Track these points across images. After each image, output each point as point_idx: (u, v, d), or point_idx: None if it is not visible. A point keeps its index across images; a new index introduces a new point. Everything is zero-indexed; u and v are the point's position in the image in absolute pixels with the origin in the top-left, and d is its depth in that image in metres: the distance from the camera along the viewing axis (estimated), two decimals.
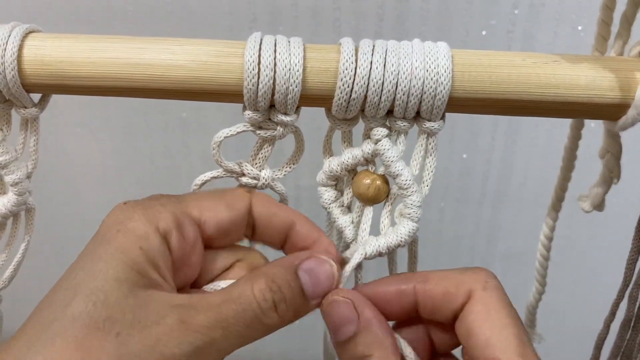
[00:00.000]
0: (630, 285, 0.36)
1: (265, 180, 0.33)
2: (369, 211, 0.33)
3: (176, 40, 0.31)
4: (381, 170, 0.33)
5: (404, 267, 0.35)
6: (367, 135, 0.32)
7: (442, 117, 0.31)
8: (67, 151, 0.71)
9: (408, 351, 0.30)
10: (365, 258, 0.32)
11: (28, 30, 0.31)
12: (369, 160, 0.33)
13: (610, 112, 0.30)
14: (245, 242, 0.34)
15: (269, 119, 0.31)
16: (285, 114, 0.31)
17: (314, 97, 0.31)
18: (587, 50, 0.37)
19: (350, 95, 0.30)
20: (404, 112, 0.31)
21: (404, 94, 0.30)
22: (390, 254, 0.33)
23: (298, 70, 0.30)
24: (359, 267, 0.34)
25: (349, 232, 0.33)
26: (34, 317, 0.26)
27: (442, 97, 0.30)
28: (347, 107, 0.30)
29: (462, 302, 0.29)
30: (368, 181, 0.32)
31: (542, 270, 0.47)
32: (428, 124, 0.31)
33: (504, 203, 0.71)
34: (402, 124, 0.31)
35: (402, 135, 0.32)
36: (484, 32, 0.61)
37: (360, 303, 0.29)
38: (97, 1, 0.61)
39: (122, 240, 0.28)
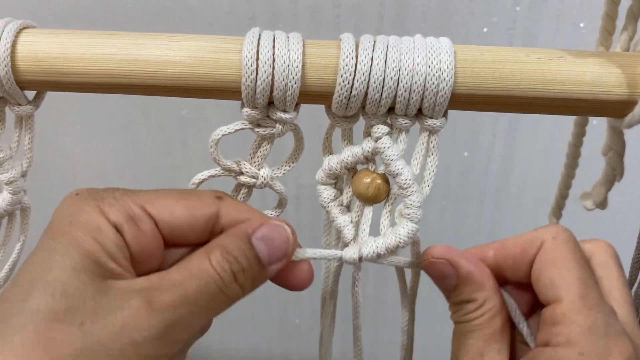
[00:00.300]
0: (635, 285, 0.36)
1: (264, 180, 0.33)
2: (368, 211, 0.33)
3: (173, 36, 0.31)
4: (381, 169, 0.32)
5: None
6: (367, 133, 0.32)
7: (445, 115, 0.31)
8: (65, 150, 0.71)
9: (506, 295, 0.31)
10: (363, 260, 0.32)
11: (22, 26, 0.31)
12: (369, 158, 0.32)
13: (617, 109, 0.30)
14: None
15: (268, 116, 0.31)
16: (284, 111, 0.31)
17: (313, 94, 0.30)
18: (589, 47, 0.37)
19: (351, 92, 0.29)
20: (406, 109, 0.30)
21: (405, 91, 0.29)
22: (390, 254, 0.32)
23: (297, 66, 0.29)
24: (357, 267, 0.34)
25: (347, 232, 0.33)
26: None
27: (445, 93, 0.29)
28: (347, 104, 0.30)
29: (535, 253, 0.30)
30: (368, 180, 0.32)
31: None
32: (430, 122, 0.30)
33: (506, 201, 0.71)
34: (404, 122, 0.31)
35: (404, 133, 0.31)
36: (485, 30, 0.60)
37: (454, 259, 0.31)
38: (95, 0, 0.60)
39: (75, 232, 0.27)
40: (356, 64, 0.29)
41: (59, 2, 0.61)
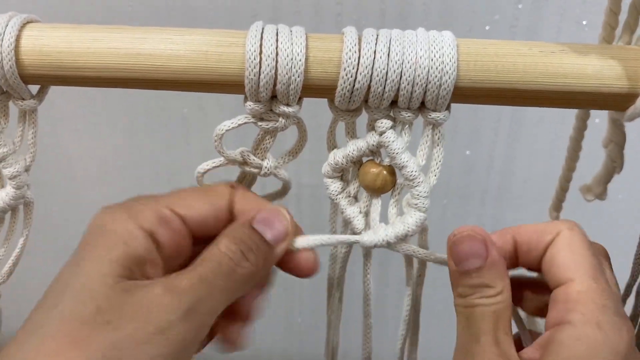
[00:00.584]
0: (638, 281, 0.36)
1: (268, 169, 0.33)
2: (377, 200, 0.33)
3: (177, 30, 0.31)
4: (387, 161, 0.32)
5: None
6: (371, 127, 0.32)
7: (448, 108, 0.31)
8: (67, 147, 0.71)
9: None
10: (373, 246, 0.32)
11: (26, 20, 0.31)
12: (374, 151, 0.32)
13: (618, 102, 0.30)
14: None
15: (271, 110, 0.31)
16: (288, 104, 0.31)
17: (316, 88, 0.30)
18: None
19: (354, 86, 0.29)
20: (409, 103, 0.30)
21: (408, 84, 0.29)
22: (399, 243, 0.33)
23: (300, 60, 0.29)
24: (367, 256, 0.35)
25: (357, 222, 0.33)
26: (25, 324, 0.27)
27: (448, 86, 0.29)
28: (350, 98, 0.30)
29: (551, 239, 0.31)
30: (375, 171, 0.32)
31: None
32: (433, 115, 0.30)
33: (507, 200, 0.71)
34: (407, 115, 0.31)
35: (407, 126, 0.31)
36: (487, 27, 0.60)
37: (490, 242, 0.31)
38: None
39: (105, 240, 0.29)
40: (359, 58, 0.29)
41: (59, 3, 0.61)
